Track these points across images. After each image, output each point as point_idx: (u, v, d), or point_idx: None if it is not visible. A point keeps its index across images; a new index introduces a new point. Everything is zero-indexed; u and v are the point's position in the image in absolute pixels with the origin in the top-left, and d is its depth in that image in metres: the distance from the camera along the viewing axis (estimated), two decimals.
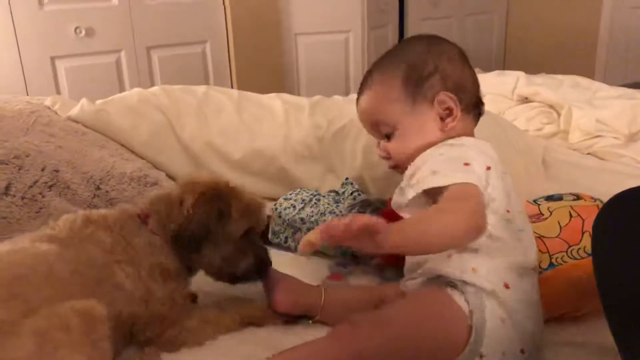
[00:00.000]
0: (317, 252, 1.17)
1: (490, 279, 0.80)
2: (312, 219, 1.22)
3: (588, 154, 1.82)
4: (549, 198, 1.10)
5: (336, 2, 3.17)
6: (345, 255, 1.17)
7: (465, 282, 0.80)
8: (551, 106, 2.05)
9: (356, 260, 1.16)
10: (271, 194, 1.57)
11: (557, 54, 3.89)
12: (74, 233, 0.89)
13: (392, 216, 1.02)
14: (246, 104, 1.65)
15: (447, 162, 0.86)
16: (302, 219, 1.23)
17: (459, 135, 0.93)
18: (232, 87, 2.84)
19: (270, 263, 1.00)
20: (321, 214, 1.22)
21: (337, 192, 1.33)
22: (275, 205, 1.27)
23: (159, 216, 0.95)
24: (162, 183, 1.36)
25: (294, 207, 1.26)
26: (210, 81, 3.01)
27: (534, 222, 1.01)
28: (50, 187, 1.18)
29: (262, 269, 0.99)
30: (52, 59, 2.55)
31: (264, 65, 3.10)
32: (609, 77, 3.57)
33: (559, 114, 2.00)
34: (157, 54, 2.84)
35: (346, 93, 2.69)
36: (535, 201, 1.10)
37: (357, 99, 1.01)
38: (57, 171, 1.21)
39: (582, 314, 0.94)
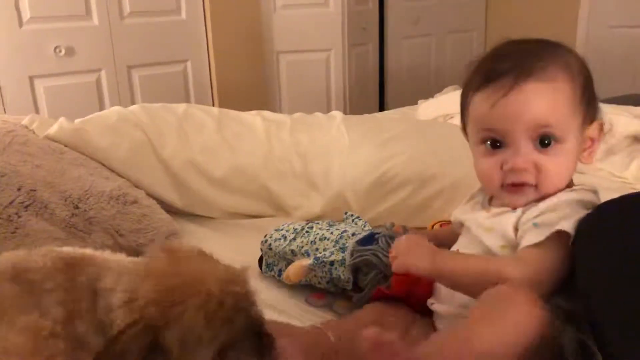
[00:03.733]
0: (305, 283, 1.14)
1: None
2: (303, 249, 1.13)
3: None
4: None
5: (317, 21, 3.20)
6: (331, 287, 1.10)
7: None
8: None
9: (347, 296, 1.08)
10: (253, 211, 1.56)
11: None
12: None
13: (404, 283, 0.97)
14: (227, 122, 1.64)
15: (573, 209, 0.79)
16: (292, 251, 1.14)
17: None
18: (213, 106, 2.84)
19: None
20: (311, 242, 1.13)
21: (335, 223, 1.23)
22: (265, 236, 1.20)
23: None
24: (141, 201, 1.35)
25: (285, 237, 1.17)
26: (191, 100, 3.01)
27: None
28: (26, 206, 1.16)
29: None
30: (31, 78, 2.53)
31: (245, 84, 3.11)
32: None
33: None
34: (137, 73, 2.84)
35: (328, 110, 2.70)
36: None
37: (513, 85, 0.79)
38: (34, 190, 1.19)
39: None
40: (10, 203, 1.14)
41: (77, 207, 1.23)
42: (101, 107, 2.67)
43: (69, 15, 2.58)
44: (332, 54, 3.26)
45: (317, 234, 1.14)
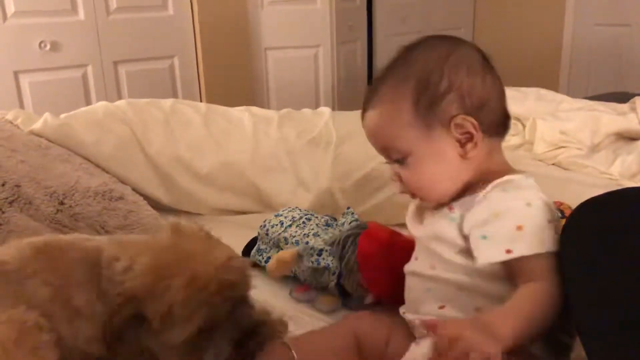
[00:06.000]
0: (291, 276, 1.13)
1: None
2: (294, 239, 1.14)
3: (552, 164, 1.85)
4: None
5: (305, 18, 3.19)
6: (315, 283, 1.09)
7: None
8: (516, 118, 2.09)
9: (347, 296, 1.07)
10: (241, 208, 1.56)
11: (522, 68, 3.98)
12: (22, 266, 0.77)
13: (375, 233, 0.99)
14: (214, 117, 1.64)
15: (532, 216, 0.74)
16: (285, 239, 1.15)
17: (483, 165, 0.81)
18: (201, 102, 2.82)
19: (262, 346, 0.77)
20: (305, 235, 1.14)
21: (334, 218, 1.24)
22: (265, 221, 1.21)
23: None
24: (127, 197, 1.33)
25: (282, 224, 1.18)
26: (178, 96, 2.99)
27: None
28: (11, 202, 1.15)
29: (251, 348, 0.76)
30: (16, 73, 2.50)
31: (233, 80, 3.10)
32: (572, 90, 3.66)
33: (524, 126, 2.04)
34: (124, 69, 2.81)
35: (316, 106, 2.70)
36: None
37: (362, 116, 0.86)
38: (18, 186, 1.18)
39: None
40: None
41: (62, 203, 1.22)
42: (87, 103, 2.65)
43: (55, 10, 2.55)
44: (320, 50, 3.26)
45: (312, 229, 1.14)
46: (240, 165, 1.54)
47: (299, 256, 1.07)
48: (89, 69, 2.70)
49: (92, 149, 1.45)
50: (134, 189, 1.41)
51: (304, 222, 1.17)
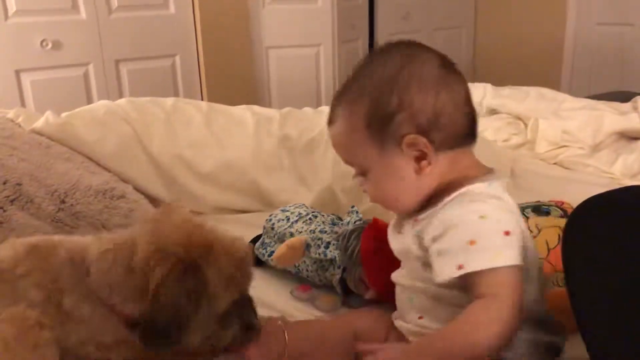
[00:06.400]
0: (293, 273, 1.13)
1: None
2: (300, 235, 1.13)
3: (554, 163, 1.85)
4: (536, 209, 1.09)
5: (307, 16, 3.19)
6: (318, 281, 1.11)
7: None
8: (518, 117, 2.09)
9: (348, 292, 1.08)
10: (242, 206, 1.55)
11: (524, 67, 3.98)
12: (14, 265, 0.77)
13: (378, 229, 0.98)
14: (215, 116, 1.64)
15: (485, 230, 0.71)
16: (291, 233, 1.15)
17: (447, 176, 0.77)
18: (202, 101, 2.82)
19: (259, 330, 0.83)
20: (311, 231, 1.13)
21: (340, 218, 1.23)
22: (271, 215, 1.21)
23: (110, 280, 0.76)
24: (129, 196, 1.34)
25: (288, 219, 1.18)
26: (180, 95, 2.99)
27: None
28: (12, 201, 1.15)
29: (249, 336, 0.82)
30: (17, 72, 2.50)
31: (234, 79, 3.10)
32: (574, 89, 3.66)
33: (525, 125, 2.04)
34: (126, 68, 2.81)
35: (317, 105, 2.70)
36: (523, 210, 1.08)
37: (328, 127, 0.86)
38: (19, 185, 1.18)
39: None
40: None
41: (63, 202, 1.22)
42: (89, 102, 2.64)
43: (56, 9, 2.55)
44: (321, 49, 3.26)
45: (319, 225, 1.14)
46: (242, 163, 1.54)
47: (307, 246, 1.07)
48: (91, 67, 2.70)
49: (94, 147, 1.45)
50: (135, 188, 1.41)
51: (310, 219, 1.17)
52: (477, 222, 0.71)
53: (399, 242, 0.83)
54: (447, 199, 0.75)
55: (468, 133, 0.79)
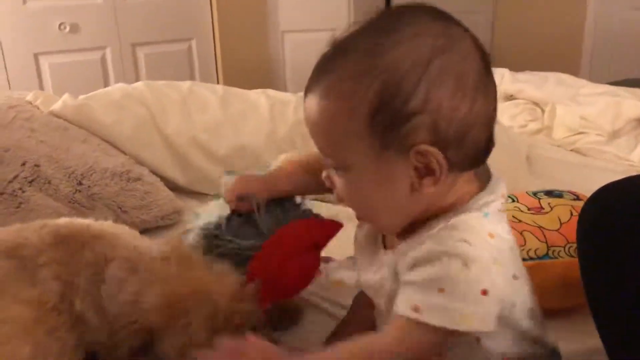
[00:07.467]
0: None
1: None
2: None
3: (571, 150, 1.83)
4: (549, 193, 1.09)
5: (323, 1, 3.17)
6: None
7: None
8: (535, 103, 2.06)
9: None
10: None
11: (543, 52, 3.92)
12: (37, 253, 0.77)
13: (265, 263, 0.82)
14: (231, 100, 1.64)
15: (461, 282, 0.58)
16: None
17: (441, 200, 0.63)
18: (218, 85, 2.83)
19: None
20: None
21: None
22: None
23: None
24: (145, 178, 1.35)
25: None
26: (196, 78, 3.00)
27: (533, 214, 1.00)
28: (30, 182, 1.17)
29: None
30: (36, 55, 2.53)
31: (250, 63, 3.09)
32: (594, 75, 3.60)
33: (543, 111, 2.02)
34: (142, 51, 2.82)
35: None
36: (535, 194, 1.09)
37: (305, 94, 0.65)
38: (38, 166, 1.20)
39: (566, 308, 0.93)
40: (15, 178, 1.15)
41: (80, 184, 1.24)
42: (106, 85, 2.66)
43: None
44: (337, 33, 3.24)
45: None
46: (256, 147, 1.54)
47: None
48: (108, 51, 2.72)
49: (111, 129, 1.46)
50: (150, 170, 1.42)
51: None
52: (456, 270, 0.58)
53: (373, 274, 0.70)
54: (433, 231, 0.62)
55: (484, 155, 0.64)
